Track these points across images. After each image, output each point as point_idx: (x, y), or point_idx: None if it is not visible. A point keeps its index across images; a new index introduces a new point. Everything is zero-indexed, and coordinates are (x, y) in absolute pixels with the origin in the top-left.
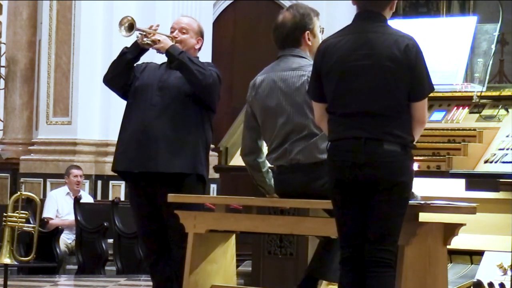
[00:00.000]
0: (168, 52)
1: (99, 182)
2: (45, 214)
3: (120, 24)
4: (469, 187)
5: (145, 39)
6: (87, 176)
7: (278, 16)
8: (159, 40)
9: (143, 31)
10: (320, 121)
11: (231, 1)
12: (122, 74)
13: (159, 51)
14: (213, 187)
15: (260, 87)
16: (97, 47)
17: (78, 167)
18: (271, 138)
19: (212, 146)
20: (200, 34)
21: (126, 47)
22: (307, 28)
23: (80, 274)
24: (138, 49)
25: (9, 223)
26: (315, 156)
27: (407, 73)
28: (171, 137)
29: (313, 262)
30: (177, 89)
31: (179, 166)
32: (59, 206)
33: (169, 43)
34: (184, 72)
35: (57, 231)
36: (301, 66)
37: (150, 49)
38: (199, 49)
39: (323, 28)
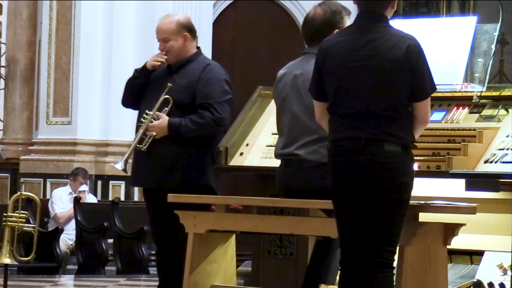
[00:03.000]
0: (172, 133)
1: (99, 182)
2: (56, 211)
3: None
4: (469, 187)
5: (143, 144)
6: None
7: (310, 11)
8: (155, 134)
9: (133, 147)
10: (320, 119)
11: (231, 1)
12: (136, 96)
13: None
14: None
15: (280, 82)
16: (97, 47)
17: (85, 174)
18: (281, 134)
19: None
20: (185, 29)
21: (136, 70)
22: (337, 26)
23: (80, 274)
24: (148, 73)
25: (9, 223)
26: (324, 157)
27: (409, 74)
28: (166, 152)
29: (311, 266)
30: (175, 100)
31: (172, 181)
32: (63, 204)
33: (164, 129)
34: (192, 136)
35: (57, 231)
36: None
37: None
38: (194, 39)
39: None
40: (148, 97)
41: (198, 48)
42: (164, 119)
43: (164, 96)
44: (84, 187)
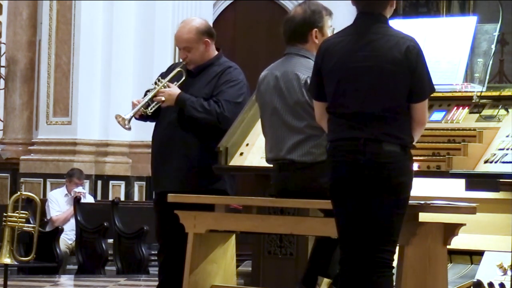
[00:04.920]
0: (177, 105)
1: (99, 182)
2: (51, 214)
3: (120, 124)
4: (469, 187)
5: (149, 108)
6: (87, 176)
7: (291, 10)
8: (163, 101)
9: (141, 107)
10: (321, 120)
11: (231, 1)
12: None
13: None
14: None
15: (262, 84)
16: (97, 47)
17: (80, 175)
18: (268, 137)
19: None
20: (206, 35)
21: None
22: (316, 26)
23: (80, 274)
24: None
25: (9, 223)
26: (318, 157)
27: (407, 75)
28: (183, 156)
29: (311, 259)
30: None
31: (189, 185)
32: (60, 206)
33: (173, 98)
34: (192, 116)
35: (57, 231)
36: (304, 68)
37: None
38: (213, 42)
39: (333, 28)
40: (166, 108)
41: (218, 50)
42: (176, 88)
43: (178, 69)
44: (81, 189)
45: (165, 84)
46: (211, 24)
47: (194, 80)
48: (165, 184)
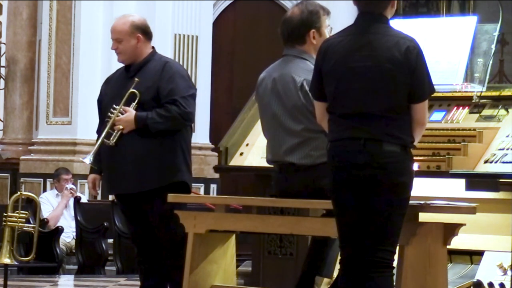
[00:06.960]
0: (139, 127)
1: (99, 182)
2: (43, 215)
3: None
4: (469, 187)
5: (111, 138)
6: (87, 176)
7: (288, 11)
8: (123, 128)
9: (101, 141)
10: (322, 120)
11: (231, 1)
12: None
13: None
14: (213, 187)
15: (260, 86)
16: (97, 47)
17: (67, 171)
18: (268, 138)
19: (211, 146)
20: (139, 31)
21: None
22: (313, 26)
23: (80, 274)
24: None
25: (9, 223)
26: (317, 159)
27: (407, 75)
28: (137, 154)
29: (307, 259)
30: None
31: (149, 183)
32: (53, 206)
33: (131, 122)
34: (159, 129)
35: (57, 231)
36: (302, 70)
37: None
38: (148, 40)
39: (331, 28)
40: (111, 96)
41: (153, 48)
42: (131, 112)
43: (130, 90)
44: (71, 186)
45: (121, 111)
46: (210, 24)
47: (133, 78)
48: (123, 186)
